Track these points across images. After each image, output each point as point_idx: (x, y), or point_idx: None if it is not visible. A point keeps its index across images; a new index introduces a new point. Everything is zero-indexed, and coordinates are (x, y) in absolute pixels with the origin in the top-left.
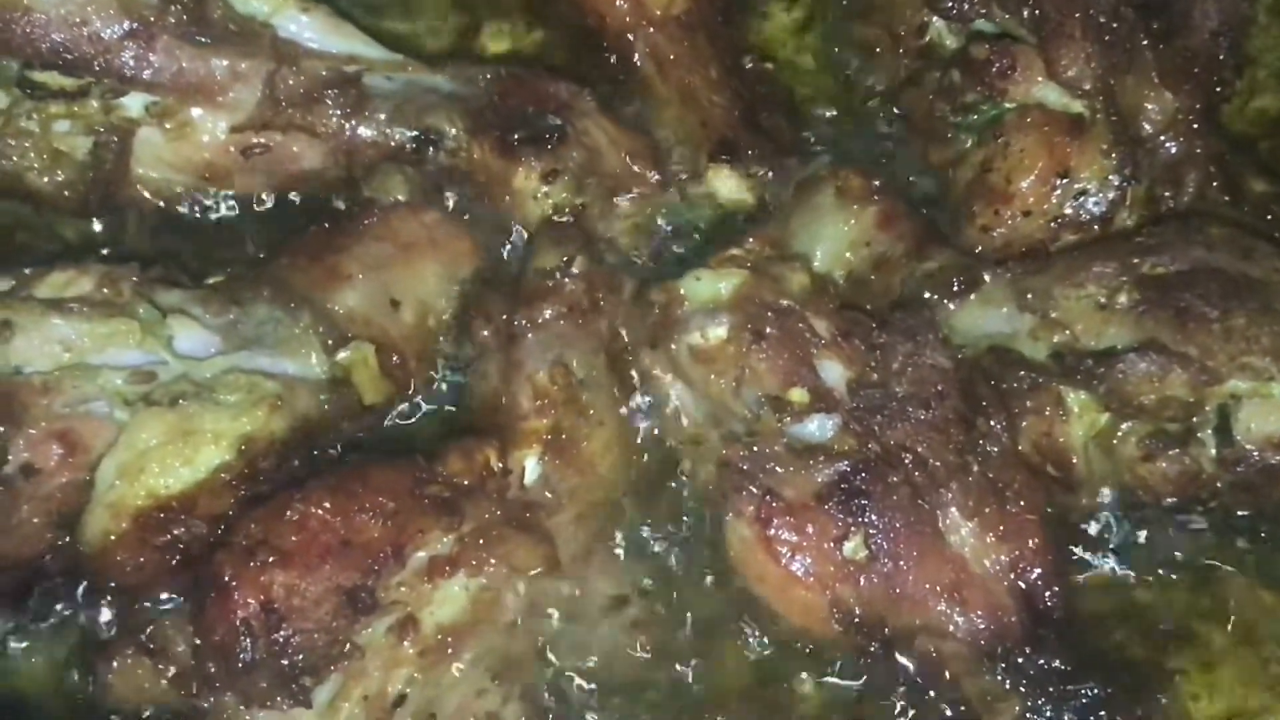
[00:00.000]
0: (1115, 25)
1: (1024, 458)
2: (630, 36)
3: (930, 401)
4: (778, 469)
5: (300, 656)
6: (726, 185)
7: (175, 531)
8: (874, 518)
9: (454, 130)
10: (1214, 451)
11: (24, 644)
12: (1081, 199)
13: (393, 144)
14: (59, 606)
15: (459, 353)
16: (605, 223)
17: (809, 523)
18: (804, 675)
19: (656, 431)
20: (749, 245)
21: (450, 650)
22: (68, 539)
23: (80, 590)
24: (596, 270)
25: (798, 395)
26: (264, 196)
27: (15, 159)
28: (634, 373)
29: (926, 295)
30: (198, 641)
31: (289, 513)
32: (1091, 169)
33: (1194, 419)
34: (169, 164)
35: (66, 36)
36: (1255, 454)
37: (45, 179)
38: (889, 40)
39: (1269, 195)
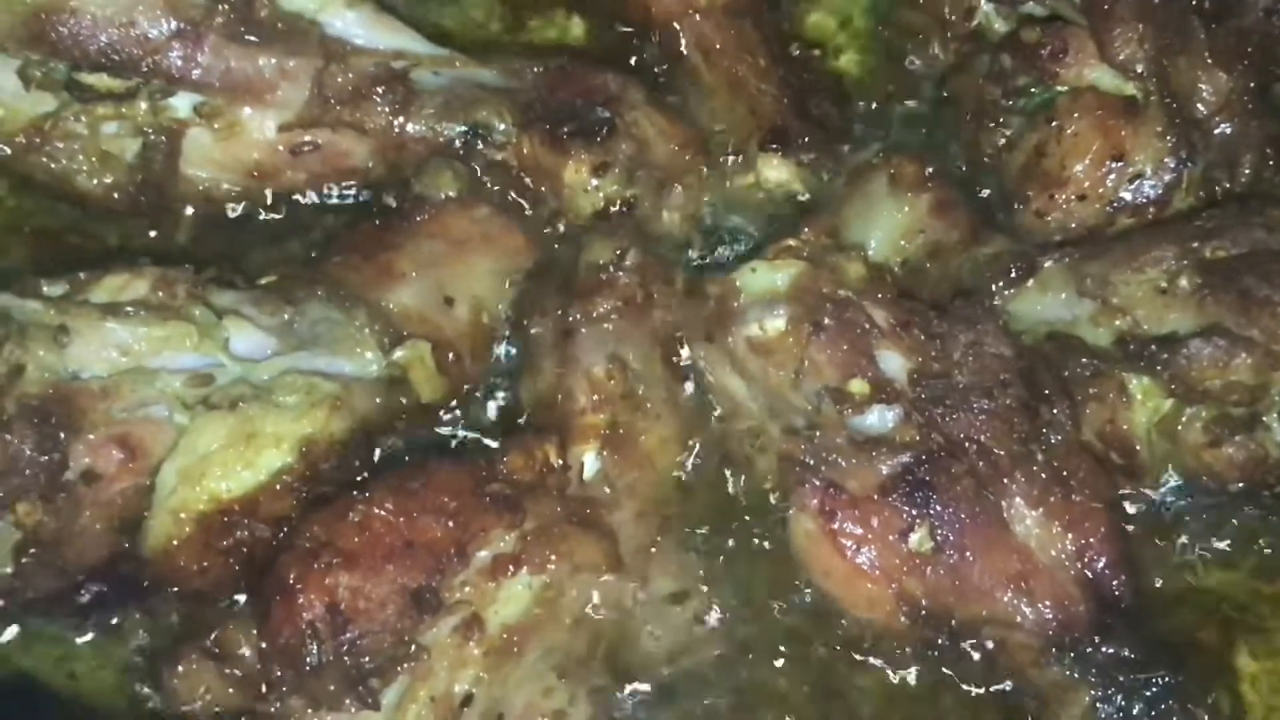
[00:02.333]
0: (1167, 5)
1: (1088, 445)
2: (676, 25)
3: (993, 390)
4: (840, 462)
5: (366, 658)
6: (778, 174)
7: (238, 535)
8: (939, 509)
9: (503, 124)
10: (1279, 435)
11: (89, 650)
12: (1137, 182)
13: (441, 139)
14: (123, 612)
15: (514, 349)
16: (657, 215)
17: (873, 515)
18: (868, 668)
19: (715, 424)
20: (804, 235)
21: (516, 649)
22: (130, 545)
23: (144, 595)
24: (650, 263)
25: (858, 387)
26: (314, 194)
27: (64, 161)
28: (690, 366)
29: (983, 282)
30: (263, 645)
31: (351, 514)
32: (1146, 152)
33: (1259, 403)
34: (218, 164)
35: (114, 38)
36: None
37: (94, 181)
38: (937, 25)
39: None
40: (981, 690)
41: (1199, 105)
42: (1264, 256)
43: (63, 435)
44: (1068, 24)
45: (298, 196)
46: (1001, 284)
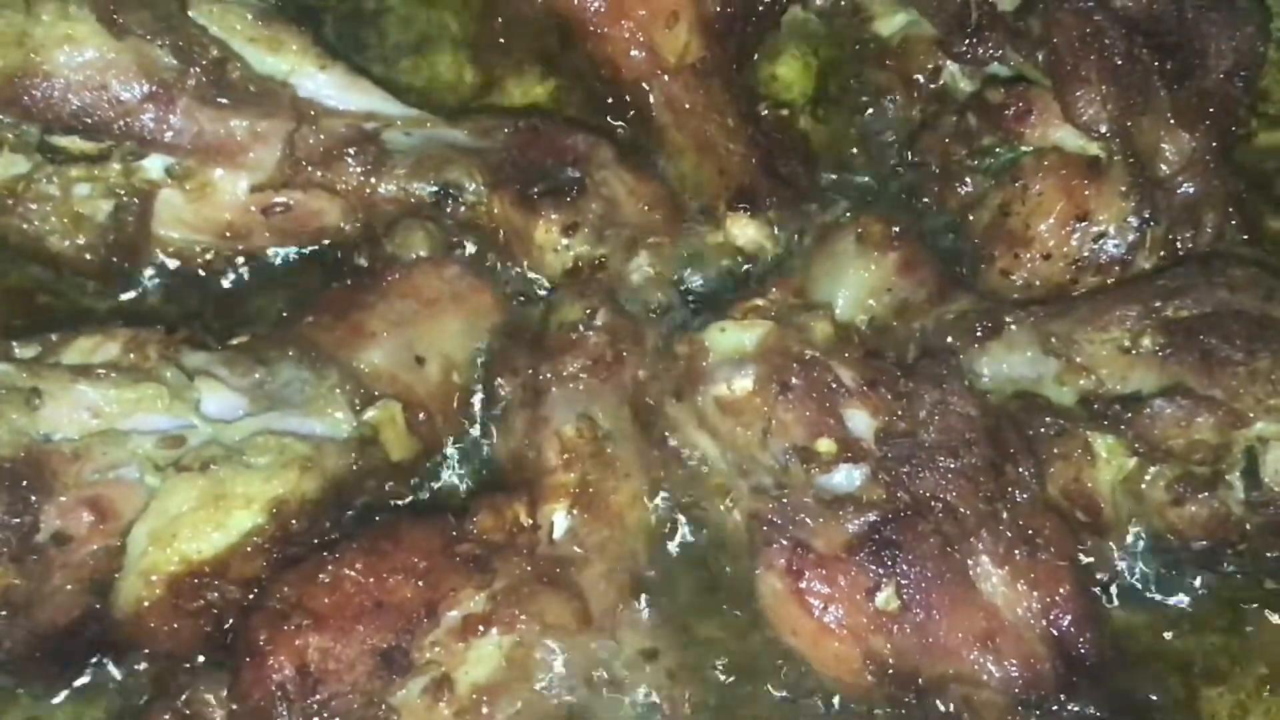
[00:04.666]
0: (1130, 67)
1: (1053, 503)
2: (645, 86)
3: (958, 450)
4: (807, 520)
5: (336, 719)
6: (746, 233)
7: (208, 596)
8: (905, 568)
9: (473, 185)
10: (1242, 494)
11: (60, 712)
12: (1101, 241)
13: (413, 199)
14: (94, 673)
15: (484, 408)
16: (626, 274)
17: (840, 574)
18: None
19: (683, 484)
20: (772, 295)
21: (485, 709)
22: (101, 606)
23: (115, 657)
24: (620, 322)
25: (825, 446)
26: (286, 255)
27: (36, 223)
28: (660, 425)
29: (949, 341)
30: (234, 706)
31: (322, 575)
32: (1110, 211)
33: (1222, 462)
34: (190, 225)
35: (86, 100)
36: None
37: (66, 242)
38: (903, 85)
39: None
40: None
41: (1162, 165)
42: (1226, 316)
43: (34, 498)
44: (1032, 85)
45: (269, 257)
46: (967, 343)
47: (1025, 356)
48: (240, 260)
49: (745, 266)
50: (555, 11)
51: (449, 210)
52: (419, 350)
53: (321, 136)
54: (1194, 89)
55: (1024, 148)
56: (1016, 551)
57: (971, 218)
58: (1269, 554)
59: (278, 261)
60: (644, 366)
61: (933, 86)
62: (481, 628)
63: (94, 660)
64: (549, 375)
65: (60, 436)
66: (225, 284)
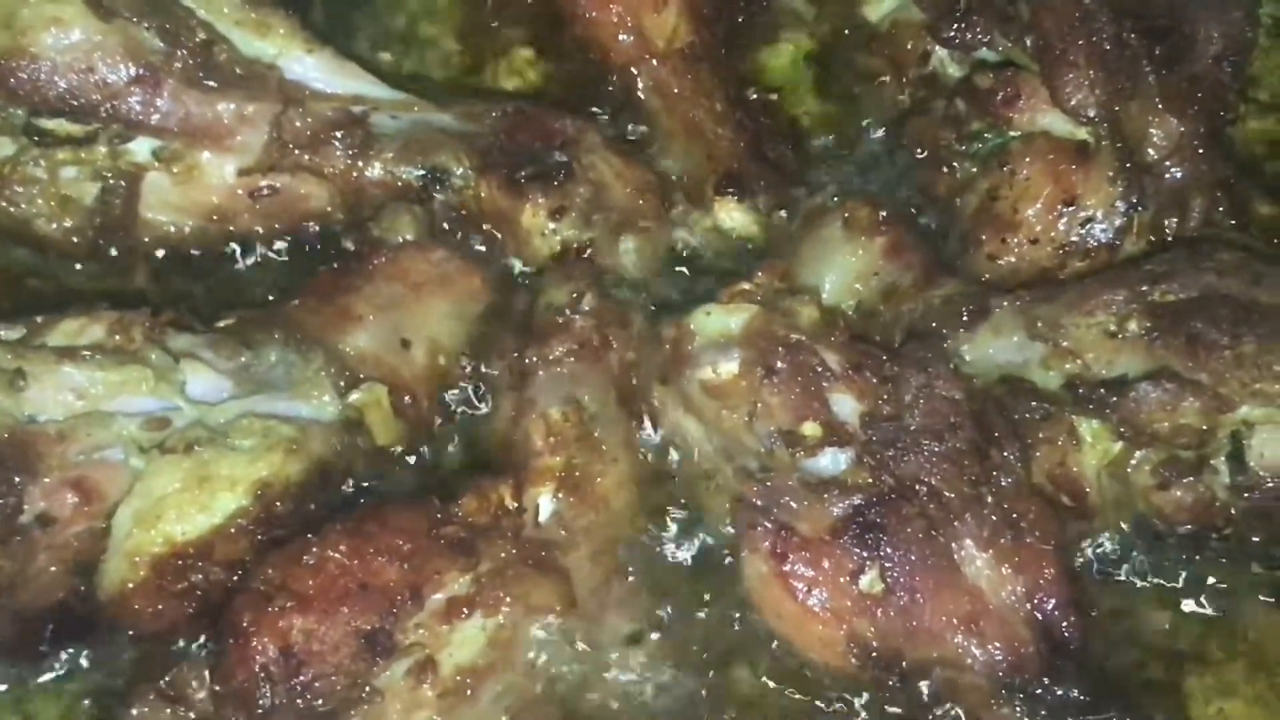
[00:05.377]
0: (1119, 52)
1: (1038, 488)
2: (634, 70)
3: (943, 433)
4: (792, 504)
5: (320, 701)
6: (733, 218)
7: (193, 578)
8: (889, 551)
9: (461, 168)
10: (1227, 479)
11: (45, 692)
12: (1088, 226)
13: (400, 183)
14: (78, 655)
15: (470, 391)
16: (613, 258)
17: (824, 557)
18: (821, 709)
19: (669, 467)
20: (758, 279)
21: (469, 691)
22: (85, 587)
23: (100, 638)
24: (606, 306)
25: (810, 429)
26: (273, 238)
27: (23, 206)
28: (645, 408)
29: (936, 325)
30: (217, 687)
31: (306, 557)
32: (1097, 196)
33: (1207, 446)
34: (177, 208)
35: (73, 83)
36: (1268, 480)
37: (53, 225)
38: (892, 70)
39: (1275, 218)
40: None
41: (1150, 150)
42: (1212, 300)
43: (18, 479)
44: (1020, 70)
45: (256, 240)
46: (953, 327)
47: (1011, 341)
48: (227, 243)
49: (731, 250)
50: None
51: (436, 194)
52: (405, 334)
53: (308, 120)
54: (1183, 74)
55: (1012, 133)
56: (1001, 535)
57: (959, 202)
58: (1254, 538)
59: (264, 245)
60: (630, 350)
61: (921, 72)
62: (466, 610)
63: (79, 641)
64: (535, 359)
65: (45, 418)
66: (211, 267)
